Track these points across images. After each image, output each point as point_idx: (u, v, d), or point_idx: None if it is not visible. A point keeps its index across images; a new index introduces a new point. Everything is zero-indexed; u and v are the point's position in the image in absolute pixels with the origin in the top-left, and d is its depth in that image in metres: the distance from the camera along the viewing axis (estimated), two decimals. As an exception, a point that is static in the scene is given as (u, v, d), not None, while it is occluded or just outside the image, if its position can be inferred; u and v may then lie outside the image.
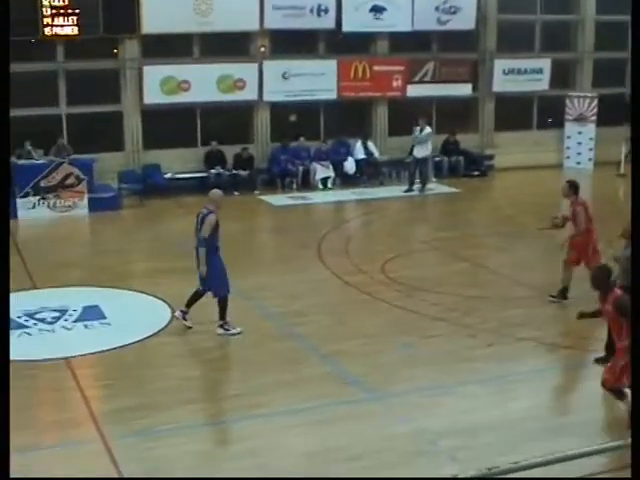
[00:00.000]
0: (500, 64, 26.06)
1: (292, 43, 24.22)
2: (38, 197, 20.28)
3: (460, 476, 6.02)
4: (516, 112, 26.96)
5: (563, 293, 13.35)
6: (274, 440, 8.89)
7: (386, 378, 10.52)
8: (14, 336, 11.60)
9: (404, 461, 8.38)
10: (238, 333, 11.93)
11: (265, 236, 20.00)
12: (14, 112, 21.42)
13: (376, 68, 24.81)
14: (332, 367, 10.87)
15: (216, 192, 12.19)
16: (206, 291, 12.01)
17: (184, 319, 12.17)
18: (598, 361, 10.53)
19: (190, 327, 12.12)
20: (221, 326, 11.99)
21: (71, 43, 22.02)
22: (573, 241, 13.27)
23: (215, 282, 11.82)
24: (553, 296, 13.38)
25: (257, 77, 23.59)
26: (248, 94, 23.58)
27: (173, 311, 12.70)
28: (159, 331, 12.24)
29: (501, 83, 26.24)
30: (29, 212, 20.00)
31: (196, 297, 12.12)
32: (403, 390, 10.11)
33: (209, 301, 12.08)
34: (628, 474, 5.96)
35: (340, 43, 24.67)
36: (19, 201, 19.96)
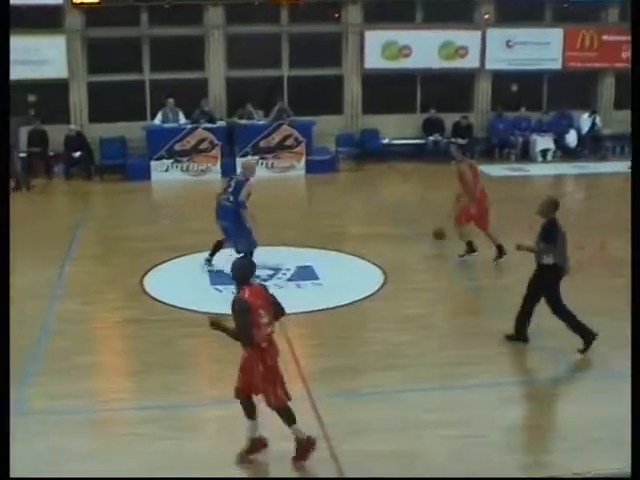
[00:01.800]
0: None
1: (517, 11, 23.56)
2: (171, 160, 20.78)
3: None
4: None
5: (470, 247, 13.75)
6: (478, 412, 8.73)
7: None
8: (228, 291, 11.94)
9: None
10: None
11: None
12: (240, 73, 22.43)
13: (605, 38, 23.77)
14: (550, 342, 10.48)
15: (250, 161, 14.01)
16: (229, 244, 13.14)
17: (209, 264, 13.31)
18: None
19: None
20: (208, 261, 13.33)
21: (295, 6, 22.34)
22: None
23: (246, 238, 12.92)
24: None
25: (480, 45, 23.14)
26: (470, 62, 23.19)
27: (386, 276, 12.71)
28: (370, 295, 12.27)
29: None
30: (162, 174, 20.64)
31: (218, 247, 13.31)
32: None
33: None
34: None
35: (567, 11, 23.78)
36: (152, 163, 20.67)
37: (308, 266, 13.46)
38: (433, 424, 8.48)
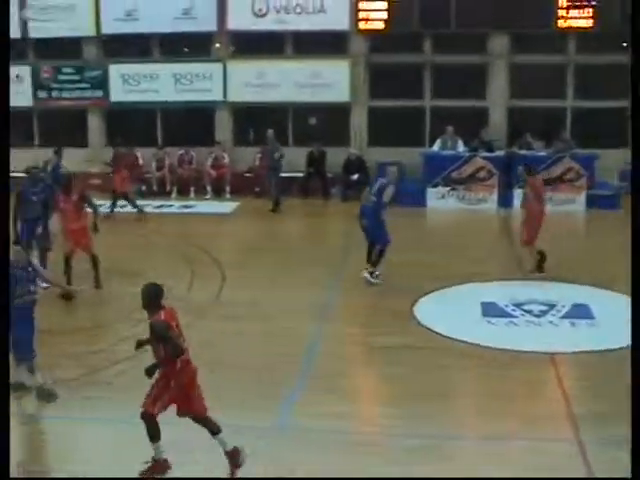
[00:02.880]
0: None
1: None
2: (448, 188, 20.60)
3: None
4: None
5: None
6: None
7: None
8: (501, 324, 11.65)
9: None
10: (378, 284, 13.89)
11: None
12: (522, 102, 21.93)
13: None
14: None
15: (393, 169, 14.85)
16: (374, 244, 14.13)
17: (372, 277, 13.98)
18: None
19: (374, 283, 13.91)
20: (371, 273, 14.03)
21: (582, 35, 21.54)
22: None
23: (382, 235, 14.12)
24: None
25: None
26: None
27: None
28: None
29: None
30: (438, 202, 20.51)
31: (371, 253, 14.20)
32: None
33: None
34: None
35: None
36: (428, 190, 20.66)
37: (584, 304, 12.79)
38: None
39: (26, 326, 9.55)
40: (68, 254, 13.87)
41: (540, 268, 14.34)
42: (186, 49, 23.63)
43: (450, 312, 12.75)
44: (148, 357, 9.88)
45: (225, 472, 7.94)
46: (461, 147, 21.21)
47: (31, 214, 13.82)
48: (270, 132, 21.32)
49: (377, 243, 14.19)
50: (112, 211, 19.79)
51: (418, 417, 9.21)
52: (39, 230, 14.00)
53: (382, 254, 14.19)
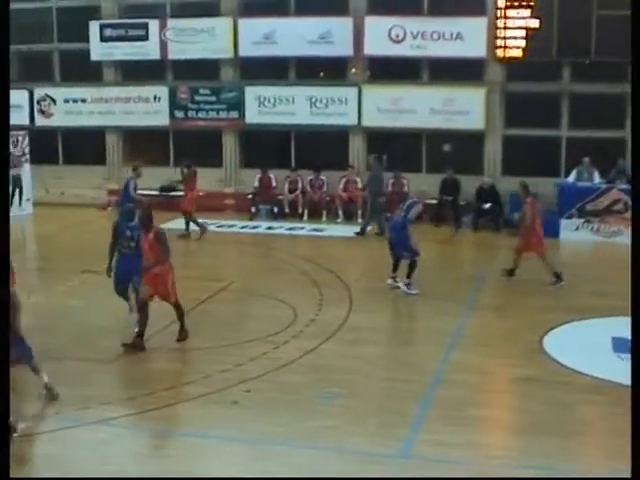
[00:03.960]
0: None
1: None
2: (582, 220, 20.16)
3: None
4: None
5: None
6: None
7: None
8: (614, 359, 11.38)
9: None
10: (417, 294, 14.86)
11: None
12: (575, 133, 21.38)
13: None
14: None
15: (423, 190, 16.57)
16: (400, 257, 15.21)
17: (408, 287, 14.96)
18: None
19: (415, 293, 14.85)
20: (407, 285, 15.04)
21: None
22: None
23: (410, 249, 15.09)
24: None
25: None
26: None
27: None
28: None
29: None
30: (571, 234, 20.07)
31: (397, 266, 15.33)
32: None
33: None
34: None
35: None
36: (562, 222, 20.16)
37: None
38: None
39: None
40: (144, 300, 12.16)
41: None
42: (322, 73, 23.89)
43: (580, 346, 12.45)
44: (277, 379, 10.00)
45: None
46: (597, 178, 20.72)
47: (126, 250, 12.98)
48: (372, 157, 21.63)
49: (401, 257, 15.24)
50: (186, 230, 20.36)
51: (540, 451, 9.00)
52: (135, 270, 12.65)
53: (412, 267, 15.16)
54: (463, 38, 21.57)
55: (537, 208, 16.10)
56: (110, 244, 13.06)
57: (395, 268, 15.38)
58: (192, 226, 20.38)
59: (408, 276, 15.17)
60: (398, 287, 15.20)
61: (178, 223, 21.46)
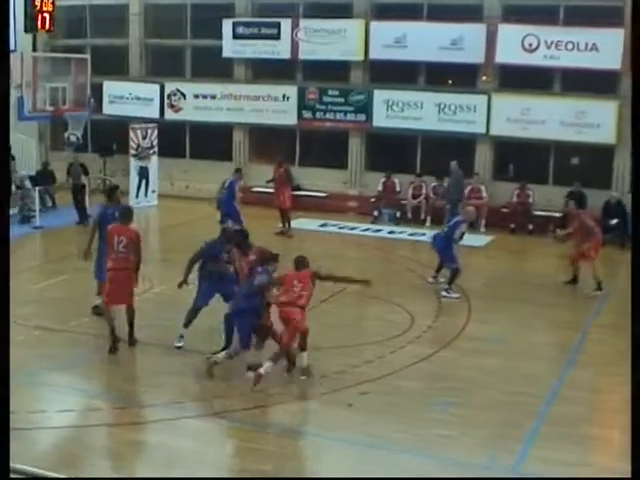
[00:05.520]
0: None
1: None
2: None
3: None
4: None
5: None
6: None
7: None
8: None
9: None
10: (457, 298, 15.31)
11: None
12: None
13: None
14: None
15: (470, 210, 16.98)
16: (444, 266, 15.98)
17: (447, 292, 15.48)
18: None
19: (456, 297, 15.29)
20: (446, 289, 15.54)
21: None
22: None
23: (450, 259, 15.80)
24: None
25: None
26: None
27: None
28: None
29: None
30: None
31: (440, 268, 16.11)
32: None
33: None
34: None
35: None
36: None
37: None
38: None
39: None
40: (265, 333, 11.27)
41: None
42: (451, 80, 23.78)
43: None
44: (392, 383, 10.03)
45: None
46: None
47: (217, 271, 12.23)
48: (454, 164, 21.73)
49: (449, 267, 15.88)
50: (289, 228, 20.68)
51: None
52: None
53: (453, 277, 15.66)
54: (598, 49, 21.17)
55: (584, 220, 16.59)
56: (191, 260, 12.26)
57: (438, 270, 16.22)
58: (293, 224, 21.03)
59: (450, 282, 15.64)
60: (440, 283, 16.04)
61: (300, 223, 21.75)
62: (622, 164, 21.76)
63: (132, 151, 24.29)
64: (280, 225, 20.78)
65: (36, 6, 23.59)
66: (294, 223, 21.32)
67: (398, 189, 23.20)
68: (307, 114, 24.59)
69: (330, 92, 24.36)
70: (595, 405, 10.91)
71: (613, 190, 21.58)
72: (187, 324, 12.18)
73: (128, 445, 9.21)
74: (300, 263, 11.33)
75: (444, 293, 15.48)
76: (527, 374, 11.73)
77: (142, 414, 10.17)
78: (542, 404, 10.60)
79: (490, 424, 10.04)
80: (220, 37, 24.87)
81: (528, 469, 8.90)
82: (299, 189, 23.79)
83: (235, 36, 24.79)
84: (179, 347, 12.07)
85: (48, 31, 24.69)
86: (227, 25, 24.84)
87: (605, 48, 21.11)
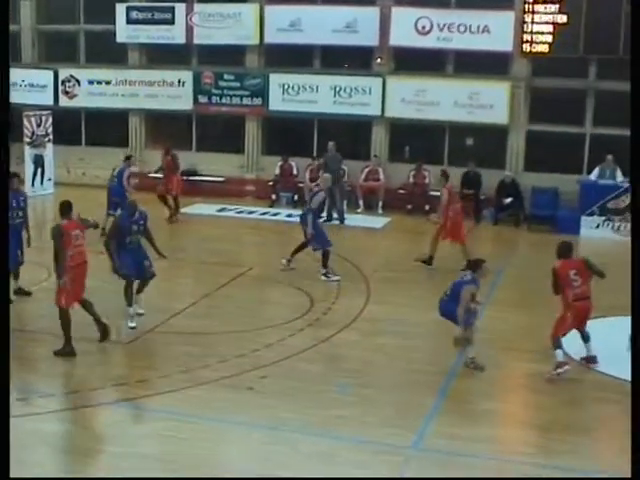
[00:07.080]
0: None
1: None
2: (603, 218, 20.17)
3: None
4: None
5: None
6: None
7: None
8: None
9: None
10: (337, 280, 15.13)
11: None
12: (599, 131, 21.27)
13: None
14: None
15: (327, 177, 17.00)
16: (311, 247, 15.63)
17: (326, 276, 15.27)
18: None
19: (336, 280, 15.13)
20: (324, 274, 15.29)
21: None
22: None
23: (318, 239, 15.48)
24: None
25: None
26: None
27: None
28: None
29: None
30: (592, 231, 20.07)
31: (300, 248, 15.78)
32: None
33: None
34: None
35: None
36: (583, 219, 20.21)
37: None
38: None
39: None
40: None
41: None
42: (346, 63, 23.84)
43: (598, 344, 12.34)
44: (292, 366, 9.99)
45: None
46: (620, 177, 20.59)
47: (132, 245, 12.52)
48: (331, 144, 21.89)
49: (320, 248, 15.52)
50: (177, 212, 20.57)
51: (555, 448, 9.02)
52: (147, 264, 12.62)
53: (326, 259, 15.45)
54: (490, 32, 21.47)
55: (454, 196, 16.83)
56: (107, 243, 12.43)
57: (295, 252, 15.86)
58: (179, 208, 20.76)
59: (324, 265, 15.42)
60: (292, 269, 15.79)
61: (198, 208, 21.59)
62: (515, 144, 22.22)
63: (27, 139, 23.74)
64: (167, 212, 20.39)
65: None
66: (192, 208, 21.09)
67: (295, 172, 23.18)
68: (203, 99, 24.31)
69: (226, 77, 24.13)
70: (493, 381, 11.06)
71: (507, 170, 21.99)
72: (130, 302, 12.26)
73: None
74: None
75: (323, 278, 15.32)
76: (426, 352, 11.86)
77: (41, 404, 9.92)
78: (442, 381, 10.72)
79: (391, 403, 10.12)
80: (114, 22, 24.40)
81: (430, 445, 8.99)
82: (196, 174, 23.56)
83: (129, 21, 24.31)
84: (133, 328, 12.17)
85: None
86: (120, 10, 24.32)
87: (497, 30, 21.43)
